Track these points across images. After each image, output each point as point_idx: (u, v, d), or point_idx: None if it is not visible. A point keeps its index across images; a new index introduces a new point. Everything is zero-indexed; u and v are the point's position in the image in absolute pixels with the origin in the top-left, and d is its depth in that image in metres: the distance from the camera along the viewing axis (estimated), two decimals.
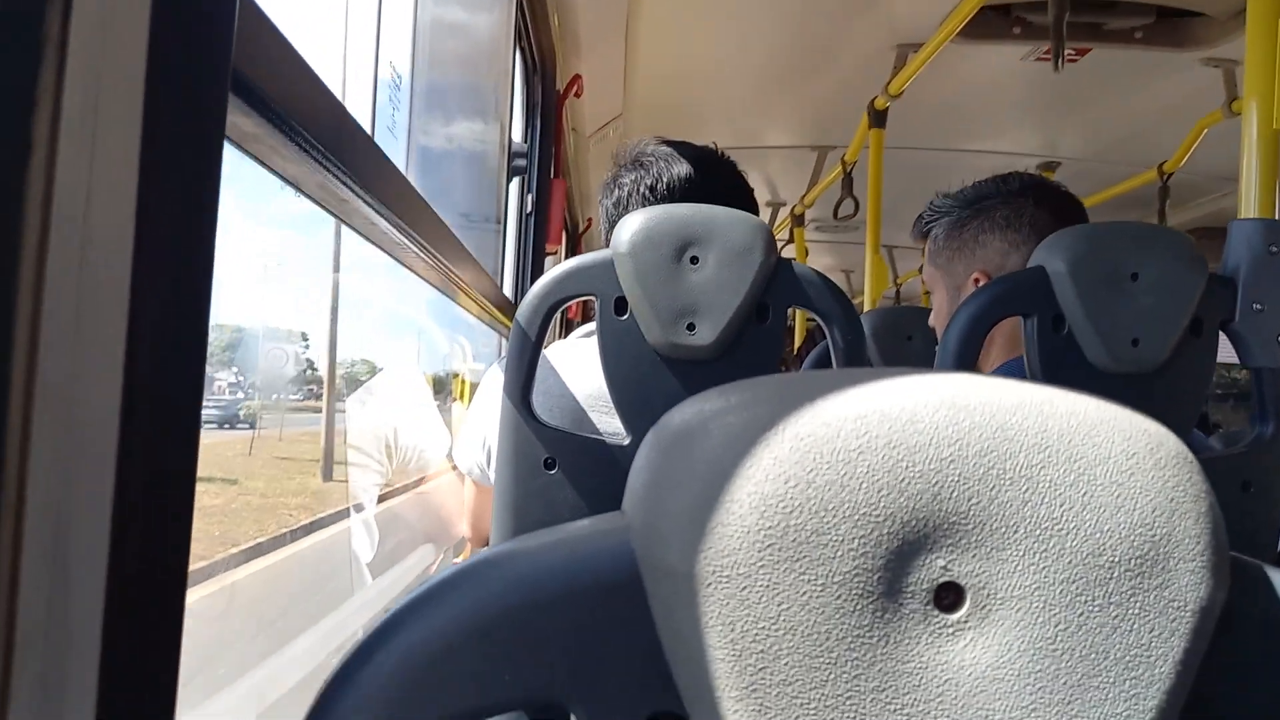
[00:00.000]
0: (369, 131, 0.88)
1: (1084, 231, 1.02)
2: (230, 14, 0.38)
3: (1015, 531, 0.28)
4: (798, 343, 4.35)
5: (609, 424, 1.07)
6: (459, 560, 1.90)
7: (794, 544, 0.28)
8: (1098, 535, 0.28)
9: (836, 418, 0.29)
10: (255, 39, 0.44)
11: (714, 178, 1.21)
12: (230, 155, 0.53)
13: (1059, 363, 1.01)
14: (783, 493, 0.28)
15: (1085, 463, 0.29)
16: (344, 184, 0.63)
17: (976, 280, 1.32)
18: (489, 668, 0.31)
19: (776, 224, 3.93)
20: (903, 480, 0.28)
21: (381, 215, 0.74)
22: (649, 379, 1.01)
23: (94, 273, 0.32)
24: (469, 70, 1.60)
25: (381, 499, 1.48)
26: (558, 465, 1.04)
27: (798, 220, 3.68)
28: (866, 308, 2.52)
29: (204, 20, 0.37)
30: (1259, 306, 1.02)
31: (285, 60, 0.48)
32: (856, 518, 0.28)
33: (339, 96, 0.59)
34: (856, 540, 0.28)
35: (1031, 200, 1.31)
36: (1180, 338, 1.00)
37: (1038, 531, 0.28)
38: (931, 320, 1.49)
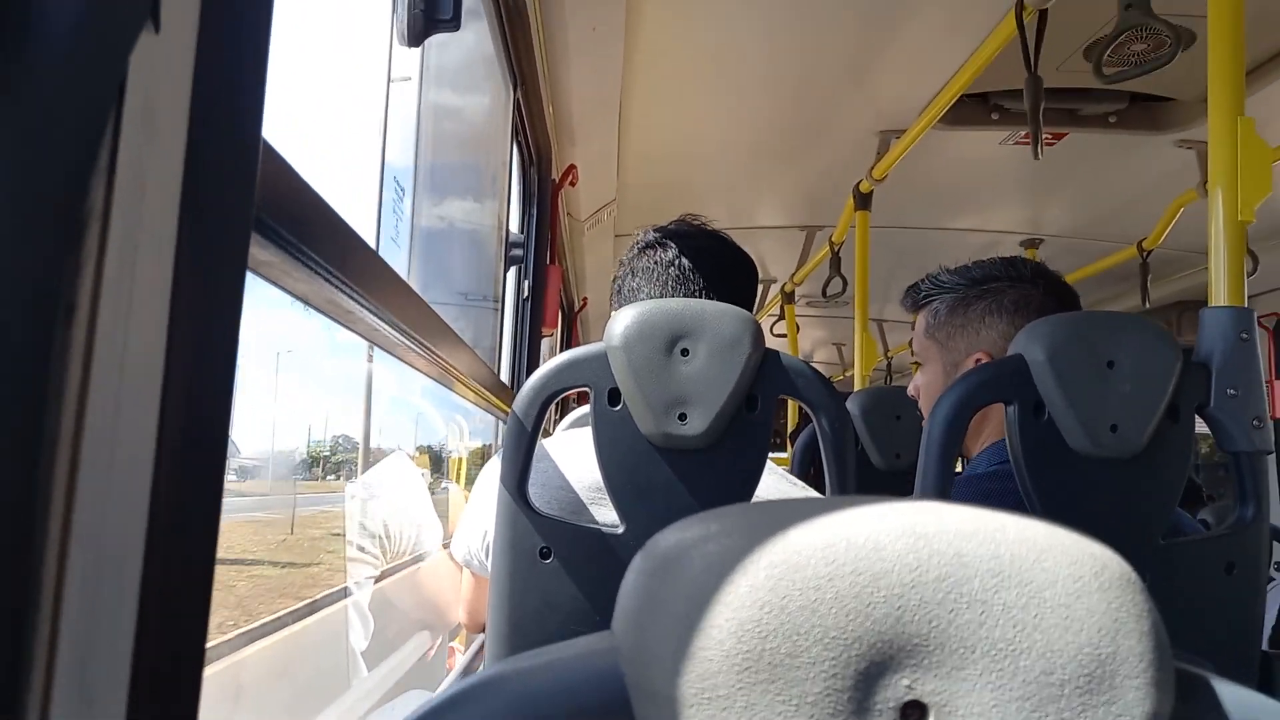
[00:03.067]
0: (374, 238, 0.92)
1: (1061, 320, 1.06)
2: (254, 160, 0.42)
3: (973, 652, 0.31)
4: (791, 423, 4.38)
5: (606, 513, 1.09)
6: (456, 643, 1.90)
7: (769, 666, 0.31)
8: (1049, 655, 0.31)
9: (806, 546, 0.32)
10: (274, 179, 0.48)
11: (724, 253, 1.27)
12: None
13: (1041, 448, 1.04)
14: (758, 618, 0.31)
15: (1035, 586, 0.31)
16: (349, 295, 0.67)
17: (978, 360, 1.34)
18: None
19: (768, 300, 3.99)
20: (869, 605, 0.31)
21: (384, 320, 0.77)
22: (642, 468, 1.04)
23: (129, 399, 0.35)
24: (469, 166, 1.66)
25: (377, 584, 1.49)
26: (554, 554, 1.05)
27: (788, 297, 3.75)
28: (857, 383, 2.56)
29: (230, 166, 0.41)
30: (1233, 392, 1.05)
31: (299, 194, 0.52)
32: (826, 641, 0.31)
33: (346, 215, 0.63)
34: (827, 662, 0.31)
35: (1041, 288, 1.33)
36: (1158, 423, 1.02)
37: (993, 652, 0.31)
38: (911, 390, 1.50)
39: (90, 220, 0.33)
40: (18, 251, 0.33)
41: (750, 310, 1.31)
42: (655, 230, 1.28)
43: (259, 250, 0.50)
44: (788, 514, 0.33)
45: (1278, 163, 1.98)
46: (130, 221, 0.35)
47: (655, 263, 1.24)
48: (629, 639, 0.34)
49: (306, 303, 0.64)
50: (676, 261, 1.24)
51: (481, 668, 1.40)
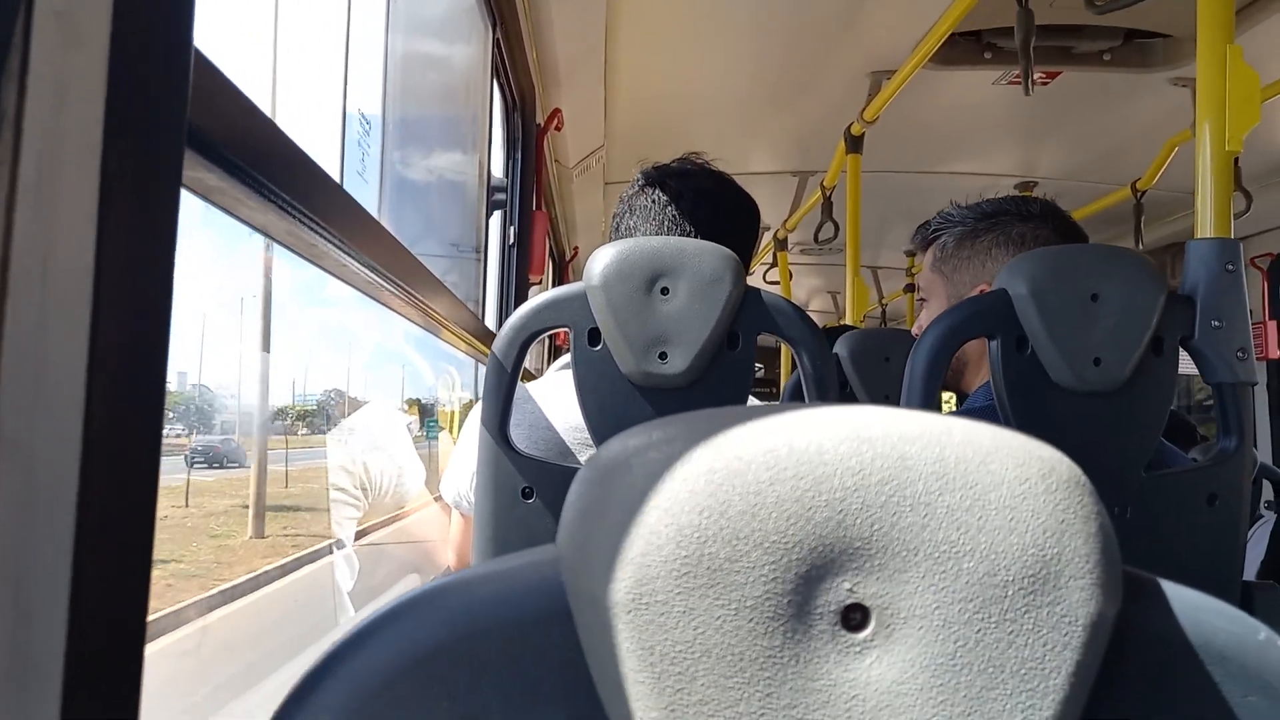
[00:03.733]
0: (338, 175, 0.90)
1: (1044, 254, 1.05)
2: (185, 72, 0.40)
3: (915, 554, 0.30)
4: (784, 375, 4.38)
5: (591, 455, 1.09)
6: None
7: (708, 571, 0.30)
8: (992, 556, 0.30)
9: (748, 451, 0.31)
10: (210, 94, 0.46)
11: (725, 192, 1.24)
12: (199, 206, 0.55)
13: (1024, 383, 1.03)
14: (697, 523, 0.30)
15: (980, 488, 0.30)
16: (311, 228, 0.65)
17: (981, 292, 1.34)
18: (427, 699, 0.33)
19: (761, 248, 3.97)
20: (810, 509, 0.30)
21: (352, 256, 0.76)
22: (623, 407, 1.03)
23: (54, 332, 0.34)
24: (445, 107, 1.63)
25: (370, 530, 1.50)
26: (535, 494, 1.05)
27: (781, 244, 3.72)
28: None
29: (159, 78, 0.39)
30: (1217, 324, 1.04)
31: (242, 113, 0.51)
32: (767, 545, 0.30)
33: (303, 144, 0.62)
34: (767, 566, 0.30)
35: (1050, 226, 1.32)
36: (1142, 356, 1.02)
37: (936, 554, 0.30)
38: (915, 330, 1.50)
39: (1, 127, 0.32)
40: None
41: (751, 254, 1.29)
42: (656, 168, 1.25)
43: (204, 174, 0.48)
44: (731, 420, 0.32)
45: (1269, 100, 1.96)
46: (48, 129, 0.33)
47: (653, 202, 1.22)
48: (570, 548, 0.33)
49: (266, 234, 0.63)
50: (675, 202, 1.22)
51: None
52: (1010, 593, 0.30)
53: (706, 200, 1.22)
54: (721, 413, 0.34)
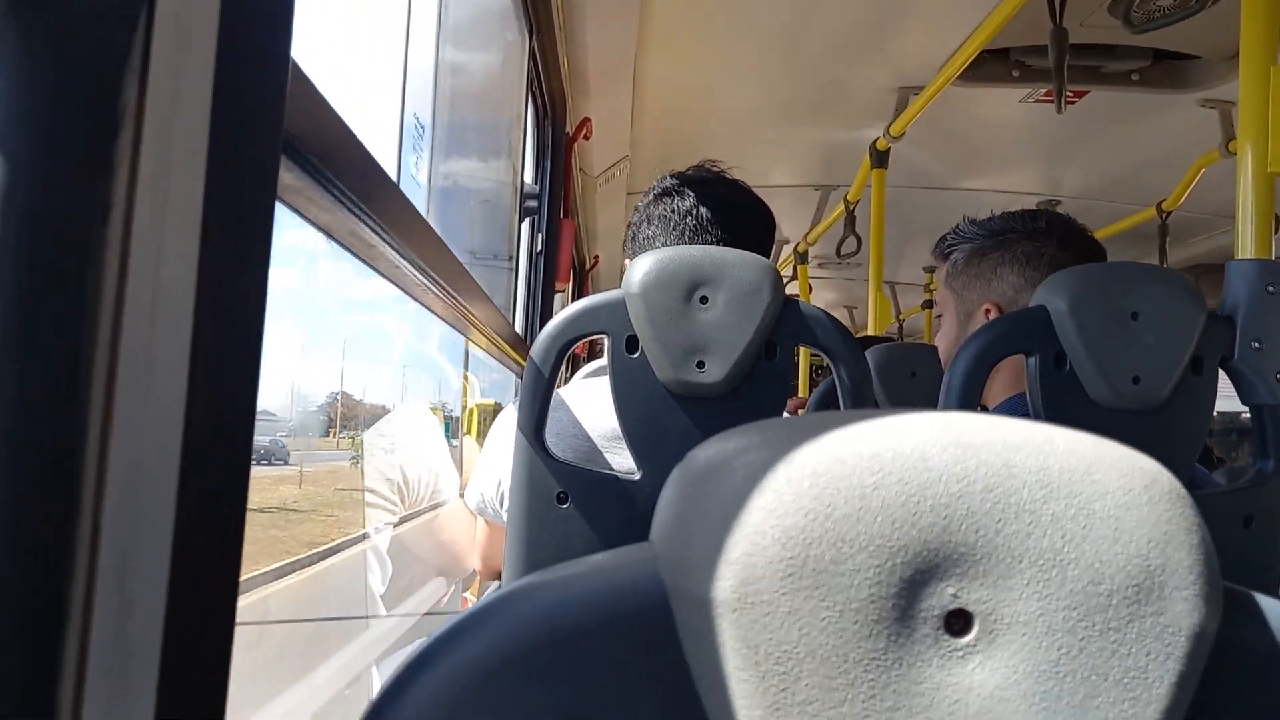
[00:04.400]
0: (395, 178, 0.91)
1: (1085, 271, 1.05)
2: (283, 83, 0.41)
3: (1020, 562, 0.31)
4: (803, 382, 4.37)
5: (621, 461, 1.09)
6: (469, 594, 1.91)
7: (813, 573, 0.30)
8: (1097, 565, 0.30)
9: (852, 455, 0.31)
10: (304, 104, 0.47)
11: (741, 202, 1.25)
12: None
13: (1061, 400, 1.03)
14: (803, 525, 0.31)
15: (1084, 498, 0.31)
16: (373, 230, 0.66)
17: (988, 311, 1.34)
18: (527, 694, 0.33)
19: (780, 261, 3.97)
20: (914, 514, 0.31)
21: (405, 258, 0.77)
22: (660, 415, 1.03)
23: (164, 319, 0.35)
24: (484, 116, 1.64)
25: (394, 530, 1.50)
26: (570, 499, 1.06)
27: (801, 257, 3.72)
28: None
29: (260, 89, 0.40)
30: (1258, 345, 1.04)
31: (329, 121, 0.51)
32: (872, 549, 0.31)
33: (369, 145, 0.62)
34: (872, 570, 0.30)
35: (1055, 241, 1.31)
36: (1181, 375, 1.02)
37: (1041, 562, 0.30)
38: (937, 340, 1.50)
39: (124, 127, 0.33)
40: (56, 156, 0.32)
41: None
42: (673, 176, 1.26)
43: (285, 174, 0.49)
44: (832, 424, 0.33)
45: None
46: (163, 130, 0.34)
47: (672, 210, 1.22)
48: (669, 547, 0.34)
49: (329, 234, 0.63)
50: (694, 210, 1.22)
51: None
52: (1114, 602, 0.30)
53: (723, 208, 1.22)
54: (822, 417, 0.34)
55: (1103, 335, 1.01)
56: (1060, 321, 1.03)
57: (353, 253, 0.71)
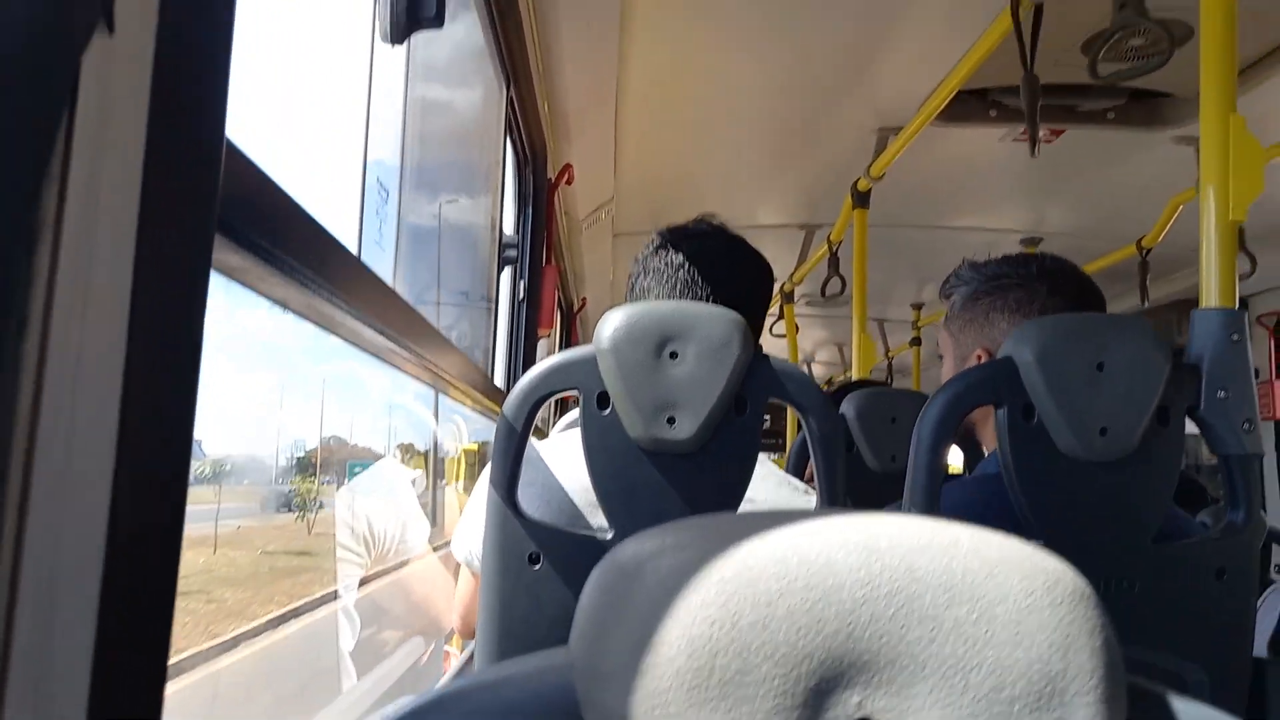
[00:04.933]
0: (356, 244, 0.92)
1: (1050, 323, 1.06)
2: (216, 163, 0.42)
3: (923, 669, 0.31)
4: (792, 431, 4.37)
5: (601, 518, 1.09)
6: (451, 646, 1.90)
7: (719, 684, 0.31)
8: (999, 671, 0.31)
9: (758, 561, 0.32)
10: (239, 180, 0.48)
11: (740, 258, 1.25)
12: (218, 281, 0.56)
13: (1031, 451, 1.03)
14: (708, 634, 0.31)
15: (987, 601, 0.31)
16: (329, 300, 0.67)
17: (979, 356, 1.34)
18: None
19: None
20: (819, 620, 0.31)
21: (366, 324, 0.77)
22: (631, 472, 1.03)
23: (85, 403, 0.35)
24: (460, 164, 1.66)
25: (370, 588, 1.49)
26: (543, 559, 1.05)
27: (787, 297, 3.74)
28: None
29: (191, 169, 0.41)
30: (1223, 394, 1.04)
31: (268, 196, 0.52)
32: (777, 657, 0.31)
33: (323, 218, 0.63)
34: (777, 679, 0.31)
35: (1046, 288, 1.31)
36: (1148, 426, 1.02)
37: (943, 669, 0.31)
38: (944, 379, 1.50)
39: (42, 226, 0.33)
40: None
41: (764, 314, 1.30)
42: (670, 230, 1.27)
43: (229, 255, 0.50)
44: (742, 528, 0.33)
45: (1272, 162, 1.97)
46: (85, 225, 0.34)
47: (666, 264, 1.23)
48: (583, 655, 0.34)
49: (285, 306, 0.64)
50: (686, 265, 1.23)
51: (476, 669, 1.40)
52: (1016, 709, 0.30)
53: (721, 262, 1.22)
54: (733, 518, 0.34)
55: (1069, 387, 1.01)
56: (1027, 373, 1.03)
57: (313, 322, 0.72)
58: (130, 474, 0.37)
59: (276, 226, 0.54)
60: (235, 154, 0.46)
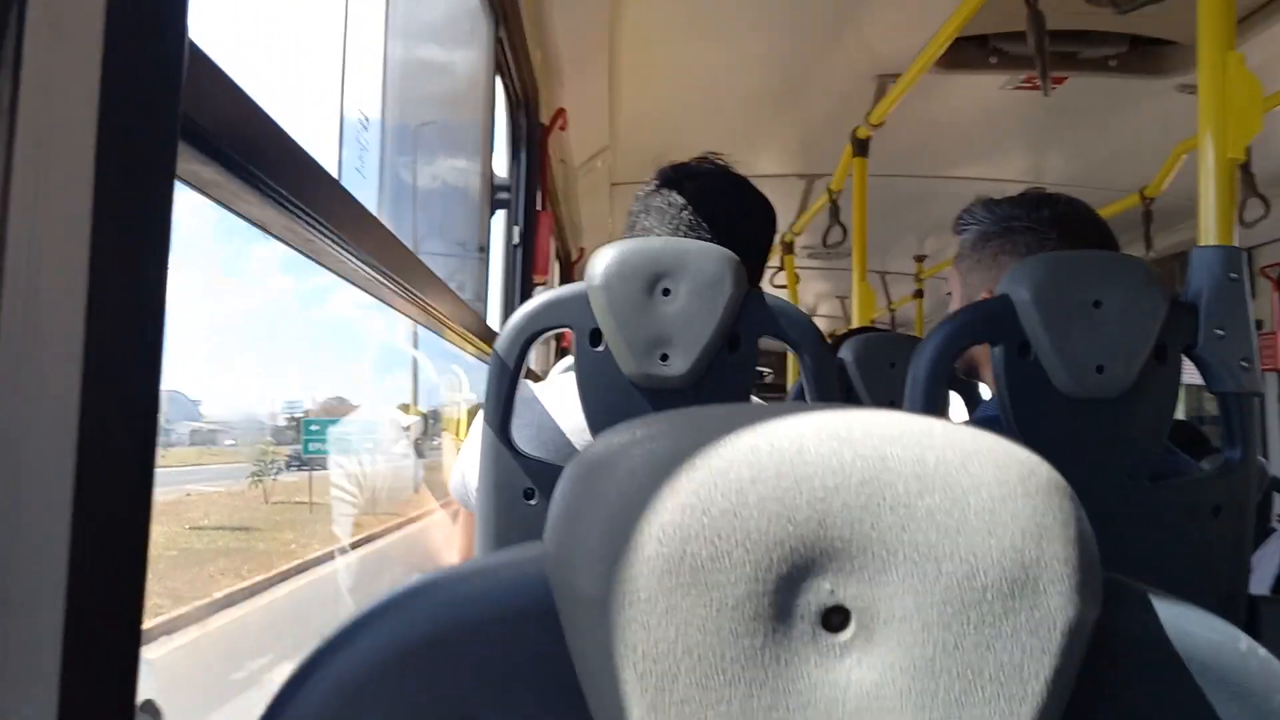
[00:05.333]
0: (335, 171, 0.91)
1: (1047, 260, 1.05)
2: (178, 64, 0.41)
3: (895, 556, 0.30)
4: (791, 379, 4.36)
5: None
6: None
7: (690, 570, 0.30)
8: (972, 559, 0.30)
9: (731, 450, 0.31)
10: (205, 87, 0.46)
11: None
12: (196, 201, 0.55)
13: (1027, 389, 1.03)
14: (679, 521, 0.30)
15: (960, 490, 0.30)
16: (308, 224, 0.66)
17: (985, 297, 1.33)
18: (411, 693, 0.33)
19: None
20: (791, 508, 0.30)
21: (350, 253, 0.76)
22: (625, 408, 1.03)
23: (48, 327, 0.35)
24: (448, 104, 1.63)
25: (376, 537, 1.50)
26: (538, 495, 1.05)
27: (788, 248, 3.72)
28: None
29: (152, 70, 0.39)
30: (1221, 332, 1.04)
31: (237, 106, 0.51)
32: (749, 544, 0.30)
33: (300, 140, 0.62)
34: (749, 565, 0.30)
35: (1057, 233, 1.29)
36: (1145, 364, 1.01)
37: (916, 556, 0.30)
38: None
39: None
40: None
41: (764, 257, 1.27)
42: (673, 168, 1.23)
43: (200, 167, 0.48)
44: (715, 419, 0.33)
45: (1278, 110, 1.94)
46: (41, 120, 0.33)
47: (669, 204, 1.19)
48: (556, 545, 0.33)
49: (264, 229, 0.63)
50: (691, 204, 1.20)
51: None
52: (989, 596, 0.30)
53: (723, 202, 1.19)
54: (706, 411, 0.34)
55: (1066, 324, 1.01)
56: (1024, 311, 1.02)
57: (293, 247, 0.71)
58: (98, 395, 0.36)
59: (247, 138, 0.52)
60: (199, 55, 0.45)
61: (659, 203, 1.21)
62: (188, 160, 0.47)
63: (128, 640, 0.38)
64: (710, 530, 0.30)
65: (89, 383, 0.36)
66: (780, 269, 3.81)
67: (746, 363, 1.04)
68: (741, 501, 0.30)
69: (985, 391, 1.53)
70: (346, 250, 0.74)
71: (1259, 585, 2.21)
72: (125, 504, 0.38)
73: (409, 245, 0.98)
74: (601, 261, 1.02)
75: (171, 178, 0.40)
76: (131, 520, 0.39)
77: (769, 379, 5.53)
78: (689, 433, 0.32)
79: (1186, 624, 0.33)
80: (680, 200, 1.19)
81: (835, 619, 0.31)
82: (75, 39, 0.35)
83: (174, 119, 0.39)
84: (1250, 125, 1.06)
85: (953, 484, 0.30)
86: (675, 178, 1.22)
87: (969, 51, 2.13)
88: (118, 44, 0.36)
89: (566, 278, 3.70)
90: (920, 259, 4.24)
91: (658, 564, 0.30)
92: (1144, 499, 1.03)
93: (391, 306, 1.03)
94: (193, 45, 0.42)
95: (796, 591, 0.30)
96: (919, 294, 4.38)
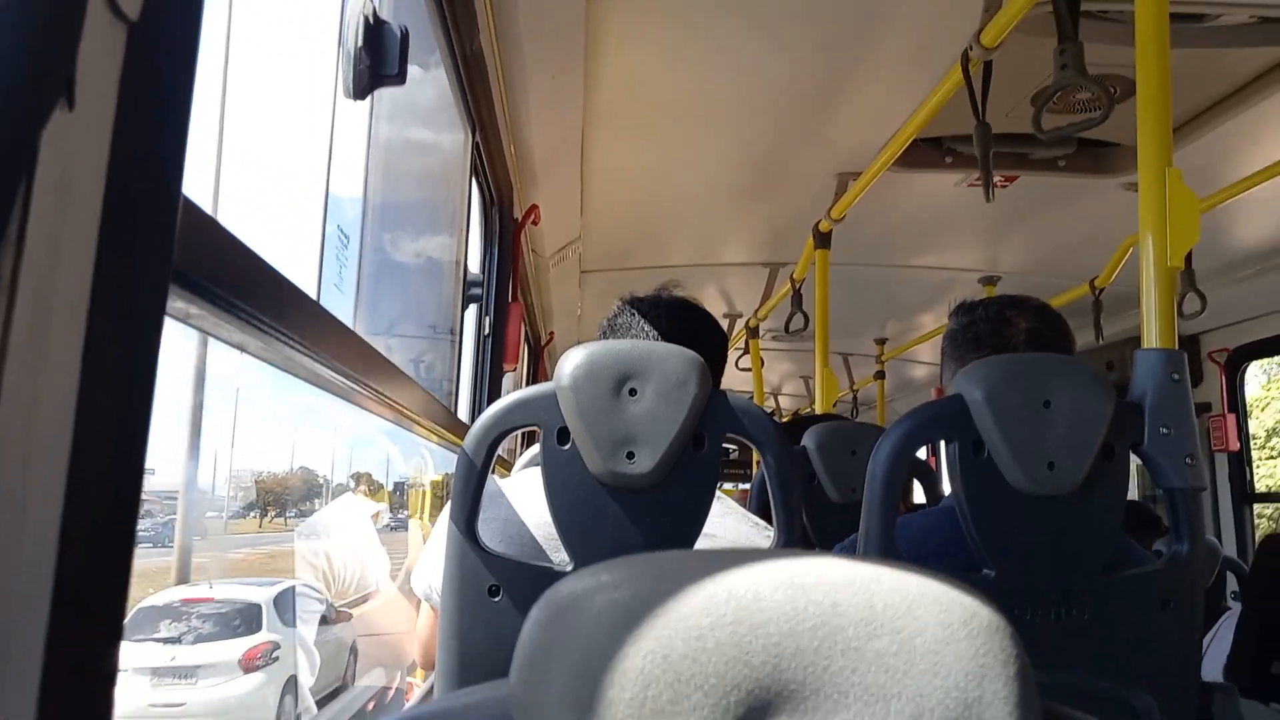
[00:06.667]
0: (315, 288, 0.93)
1: (998, 362, 1.09)
2: (172, 218, 0.43)
3: (846, 697, 0.32)
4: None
5: (563, 554, 1.10)
6: (415, 678, 1.88)
7: (652, 713, 0.32)
8: (919, 699, 0.32)
9: (690, 597, 0.33)
10: (196, 236, 0.49)
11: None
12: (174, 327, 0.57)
13: (981, 486, 1.06)
14: (640, 666, 0.32)
15: (907, 634, 0.33)
16: (286, 344, 0.68)
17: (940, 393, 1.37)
18: None
19: (733, 335, 4.03)
20: (747, 653, 0.32)
21: (325, 365, 0.78)
22: (592, 506, 1.04)
23: (39, 450, 0.36)
24: (424, 204, 1.67)
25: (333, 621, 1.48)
26: (503, 592, 1.06)
27: (753, 332, 3.78)
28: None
29: (147, 227, 0.42)
30: (1166, 430, 1.08)
31: (226, 249, 0.53)
32: (707, 688, 0.32)
33: (280, 263, 0.64)
34: (707, 709, 0.32)
35: (1023, 336, 1.32)
36: (1094, 461, 1.05)
37: (866, 697, 0.32)
38: None
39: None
40: None
41: (721, 371, 1.36)
42: (634, 300, 1.33)
43: (186, 304, 0.51)
44: (677, 566, 0.35)
45: (1223, 206, 2.04)
46: (42, 286, 0.36)
47: (634, 322, 1.30)
48: (521, 687, 0.35)
49: (243, 350, 0.65)
50: (652, 323, 1.30)
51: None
52: None
53: (680, 323, 1.29)
54: (667, 557, 0.36)
55: (1017, 423, 1.04)
56: (976, 410, 1.06)
57: (273, 365, 0.73)
58: (81, 535, 0.38)
59: (233, 275, 0.55)
60: (193, 209, 0.48)
61: (623, 322, 1.29)
62: (174, 299, 0.49)
63: (107, 643, 0.39)
64: (670, 674, 0.32)
65: (74, 492, 0.37)
66: (745, 352, 3.86)
67: (712, 461, 1.06)
68: (700, 647, 0.32)
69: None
70: (323, 364, 0.76)
71: (1212, 665, 2.24)
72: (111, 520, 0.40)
73: (384, 334, 1.01)
74: (570, 363, 1.04)
75: (160, 322, 0.42)
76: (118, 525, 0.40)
77: (733, 455, 5.55)
78: (650, 579, 0.34)
79: None
80: (642, 321, 1.28)
81: None
82: (79, 207, 0.37)
83: (166, 271, 0.42)
84: (1189, 235, 1.13)
85: (899, 628, 0.33)
86: (637, 307, 1.31)
87: (925, 152, 2.22)
88: (116, 207, 0.39)
89: (535, 361, 3.72)
90: (881, 342, 4.32)
91: (620, 708, 0.32)
92: (1096, 591, 1.06)
93: (365, 409, 1.05)
94: (186, 198, 0.44)
95: None
96: (880, 375, 4.46)
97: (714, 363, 1.31)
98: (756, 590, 0.33)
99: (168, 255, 0.41)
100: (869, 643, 0.33)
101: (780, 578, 0.33)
